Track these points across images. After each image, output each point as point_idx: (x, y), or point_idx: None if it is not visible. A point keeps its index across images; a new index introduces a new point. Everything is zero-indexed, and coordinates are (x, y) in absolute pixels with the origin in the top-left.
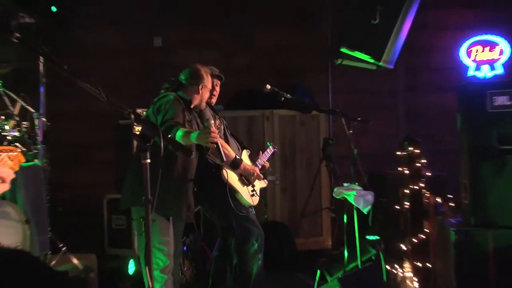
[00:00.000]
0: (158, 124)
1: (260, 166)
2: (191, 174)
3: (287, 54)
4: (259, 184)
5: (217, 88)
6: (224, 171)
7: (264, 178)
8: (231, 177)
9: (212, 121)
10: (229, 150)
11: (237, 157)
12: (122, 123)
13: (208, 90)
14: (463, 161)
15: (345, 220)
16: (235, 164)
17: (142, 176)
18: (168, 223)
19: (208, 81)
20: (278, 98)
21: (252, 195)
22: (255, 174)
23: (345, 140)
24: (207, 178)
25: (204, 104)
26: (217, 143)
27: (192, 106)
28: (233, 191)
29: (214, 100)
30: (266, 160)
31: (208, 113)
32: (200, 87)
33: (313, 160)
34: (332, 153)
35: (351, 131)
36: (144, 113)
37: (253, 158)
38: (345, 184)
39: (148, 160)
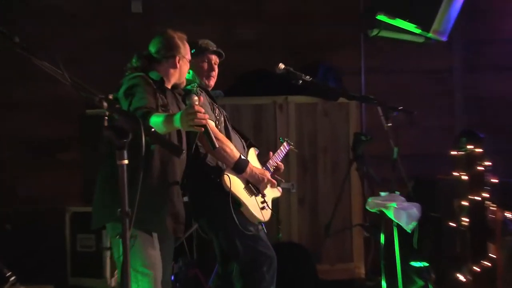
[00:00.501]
0: None
1: (272, 170)
2: (174, 174)
3: (305, 24)
4: (271, 193)
5: (216, 68)
6: (225, 176)
7: (277, 185)
8: (235, 184)
9: (196, 97)
10: (231, 149)
11: (242, 157)
12: (90, 113)
13: (187, 61)
14: None
15: (382, 240)
16: (239, 167)
17: (117, 181)
18: (153, 240)
19: (186, 50)
20: (294, 81)
21: (262, 208)
22: (266, 180)
23: (382, 136)
24: (203, 185)
25: (184, 79)
26: (205, 126)
27: (169, 86)
28: (237, 202)
29: (212, 83)
30: (280, 161)
31: (204, 100)
32: (176, 59)
33: (340, 162)
34: (365, 153)
35: (390, 124)
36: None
37: (262, 159)
38: (382, 194)
39: (126, 161)
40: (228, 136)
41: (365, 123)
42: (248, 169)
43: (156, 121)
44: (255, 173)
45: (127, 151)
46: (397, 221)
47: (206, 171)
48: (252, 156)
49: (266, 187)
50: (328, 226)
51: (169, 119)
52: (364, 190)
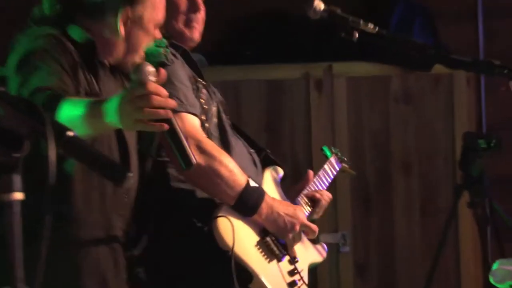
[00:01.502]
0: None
1: (309, 209)
2: (109, 219)
3: None
4: (308, 255)
5: (201, 7)
6: (221, 220)
7: (318, 239)
8: (240, 237)
9: (150, 68)
10: (230, 169)
11: (252, 184)
12: None
13: (148, 25)
14: None
15: None
16: (247, 203)
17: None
18: None
19: (152, 3)
20: (344, 34)
21: (292, 285)
22: (299, 228)
23: None
24: (175, 239)
25: (138, 54)
26: (170, 121)
27: (107, 60)
28: (244, 274)
29: (195, 35)
30: (324, 192)
31: (176, 72)
32: (120, 15)
33: (436, 190)
34: (488, 173)
35: None
36: None
37: (290, 188)
38: None
39: (19, 195)
40: (226, 145)
41: (485, 116)
42: (264, 207)
43: (70, 114)
44: (279, 214)
45: (22, 175)
46: None
47: (181, 211)
48: (271, 182)
49: (299, 241)
50: None
51: (95, 110)
52: (485, 247)
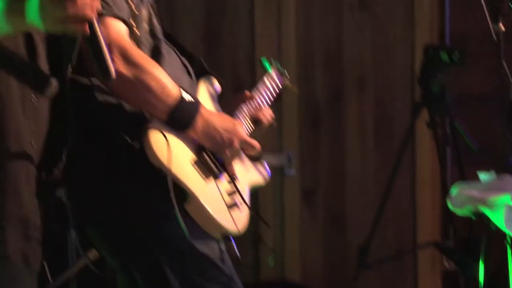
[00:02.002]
0: None
1: (248, 124)
2: (18, 137)
3: None
4: (248, 174)
5: None
6: (153, 134)
7: (260, 158)
8: (174, 153)
9: None
10: (161, 80)
11: (186, 96)
12: None
13: None
14: None
15: (481, 278)
16: (180, 117)
17: None
18: None
19: None
20: None
21: (232, 206)
22: (238, 143)
23: (485, 56)
24: (100, 159)
25: None
26: (91, 25)
27: None
28: (179, 193)
29: None
30: (266, 107)
31: None
32: None
33: (392, 109)
34: (449, 91)
35: (502, 28)
36: None
37: (228, 102)
38: (482, 176)
39: None
40: (158, 54)
41: (449, 26)
42: (199, 121)
43: None
44: (215, 128)
45: None
46: None
47: (108, 126)
48: (206, 95)
49: (238, 160)
50: (366, 249)
51: (16, 6)
52: (444, 170)
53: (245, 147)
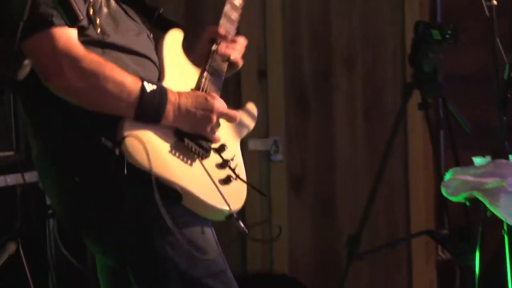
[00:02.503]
0: None
1: (225, 70)
2: None
3: None
4: (236, 131)
5: None
6: (129, 141)
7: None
8: (154, 149)
9: None
10: (118, 80)
11: (148, 86)
12: None
13: None
14: None
15: (477, 268)
16: (149, 111)
17: None
18: None
19: None
20: None
21: (226, 181)
22: (215, 118)
23: (477, 34)
24: (73, 163)
25: None
26: None
27: None
28: (172, 193)
29: None
30: (234, 29)
31: None
32: None
33: (382, 89)
34: (441, 71)
35: (494, 2)
36: None
37: (196, 49)
38: (477, 161)
39: None
40: (121, 37)
41: (440, 1)
42: (169, 109)
43: None
44: (188, 110)
45: None
46: (507, 220)
47: (86, 132)
48: (173, 53)
49: (219, 126)
50: (357, 238)
51: None
52: (436, 154)
53: (224, 119)
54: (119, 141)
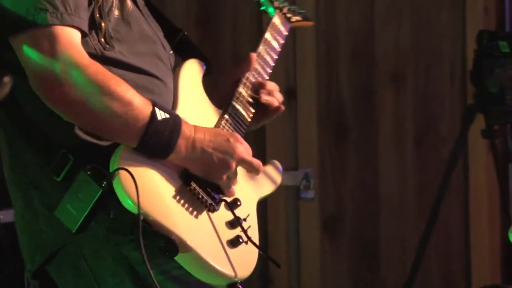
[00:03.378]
0: None
1: (250, 117)
2: None
3: None
4: (254, 188)
5: None
6: (121, 176)
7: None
8: (154, 190)
9: None
10: (126, 99)
11: (160, 114)
12: None
13: None
14: None
15: None
16: (157, 142)
17: None
18: None
19: None
20: None
21: (236, 242)
22: (234, 165)
23: None
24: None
25: None
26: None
27: None
28: (167, 244)
29: None
30: (270, 68)
31: None
32: None
33: (436, 114)
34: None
35: None
36: None
37: (222, 84)
38: None
39: None
40: (132, 49)
41: (509, 8)
42: (182, 144)
43: None
44: (204, 150)
45: None
46: None
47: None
48: (191, 80)
49: (236, 176)
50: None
51: None
52: (504, 192)
53: (244, 167)
54: (111, 173)
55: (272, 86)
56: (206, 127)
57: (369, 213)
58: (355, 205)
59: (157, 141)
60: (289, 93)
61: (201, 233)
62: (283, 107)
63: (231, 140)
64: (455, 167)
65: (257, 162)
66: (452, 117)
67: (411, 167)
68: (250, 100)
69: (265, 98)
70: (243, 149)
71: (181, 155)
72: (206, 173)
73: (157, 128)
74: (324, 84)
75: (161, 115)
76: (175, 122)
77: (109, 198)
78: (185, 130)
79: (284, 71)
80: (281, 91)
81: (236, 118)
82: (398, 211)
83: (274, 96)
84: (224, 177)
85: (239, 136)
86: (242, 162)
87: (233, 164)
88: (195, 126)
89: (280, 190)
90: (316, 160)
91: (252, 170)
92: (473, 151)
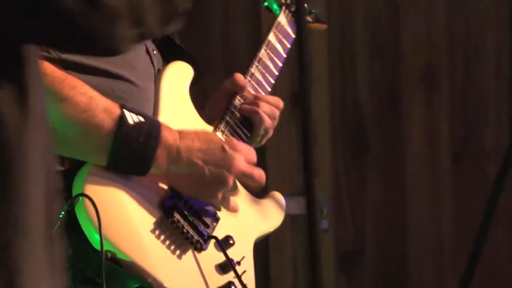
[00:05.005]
0: None
1: (245, 135)
2: None
3: None
4: (252, 223)
5: None
6: (86, 203)
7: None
8: (127, 219)
9: None
10: (82, 107)
11: (130, 117)
12: None
13: None
14: None
15: None
16: (128, 155)
17: None
18: None
19: None
20: None
21: None
22: (231, 180)
23: None
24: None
25: None
26: None
27: None
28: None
29: None
30: (273, 78)
31: None
32: None
33: (478, 122)
34: None
35: None
36: None
37: (214, 95)
38: None
39: None
40: None
41: None
42: (161, 155)
43: None
44: (192, 162)
45: None
46: None
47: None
48: (176, 86)
49: (233, 197)
50: None
51: None
52: None
53: (244, 180)
54: (70, 201)
55: (273, 101)
56: (195, 131)
57: (395, 248)
58: (377, 238)
59: (130, 151)
60: (294, 97)
61: (184, 277)
62: (267, 119)
63: (227, 148)
64: (503, 188)
65: (258, 173)
66: (499, 126)
67: (448, 190)
68: (242, 119)
69: (243, 107)
70: (242, 158)
71: (162, 169)
72: (196, 192)
73: (128, 135)
74: (338, 84)
75: (132, 118)
76: (151, 127)
77: (69, 231)
78: (166, 136)
79: (289, 71)
80: (285, 95)
81: (232, 131)
82: (431, 242)
83: (257, 106)
84: (220, 195)
85: (236, 142)
86: (241, 175)
87: (230, 180)
88: (180, 131)
89: (286, 220)
90: (329, 182)
91: (254, 184)
92: None
